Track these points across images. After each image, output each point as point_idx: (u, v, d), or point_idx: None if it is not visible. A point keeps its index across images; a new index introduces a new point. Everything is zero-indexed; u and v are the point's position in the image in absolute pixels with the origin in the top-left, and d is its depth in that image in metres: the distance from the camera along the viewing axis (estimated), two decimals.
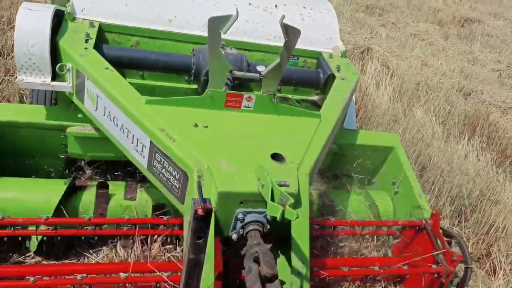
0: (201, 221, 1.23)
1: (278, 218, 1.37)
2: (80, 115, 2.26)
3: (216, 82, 1.91)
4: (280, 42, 2.60)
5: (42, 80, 2.04)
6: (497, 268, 2.73)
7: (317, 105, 2.72)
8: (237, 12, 1.71)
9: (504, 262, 2.76)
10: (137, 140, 1.83)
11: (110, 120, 1.95)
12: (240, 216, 1.58)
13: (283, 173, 1.65)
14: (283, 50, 1.87)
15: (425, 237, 2.30)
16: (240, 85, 2.40)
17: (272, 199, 1.46)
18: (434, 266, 2.19)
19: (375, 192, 2.69)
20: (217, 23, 1.73)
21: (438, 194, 3.30)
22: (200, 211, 1.19)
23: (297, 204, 1.61)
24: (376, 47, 6.53)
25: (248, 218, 1.58)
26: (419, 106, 5.03)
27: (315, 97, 2.77)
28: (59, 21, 2.19)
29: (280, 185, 1.52)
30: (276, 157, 1.73)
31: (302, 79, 2.60)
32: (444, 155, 3.87)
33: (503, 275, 2.65)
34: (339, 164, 2.69)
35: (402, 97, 5.16)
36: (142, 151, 1.83)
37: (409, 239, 2.38)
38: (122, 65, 2.25)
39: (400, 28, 9.14)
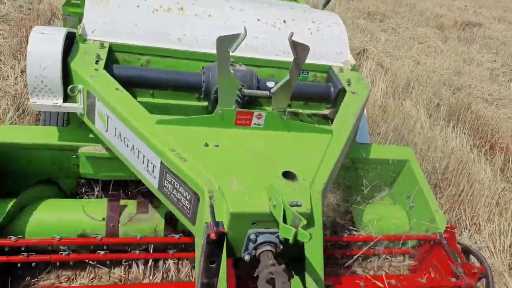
0: (214, 246, 1.21)
1: (291, 241, 1.34)
2: (91, 135, 2.27)
3: (226, 101, 1.91)
4: (289, 57, 2.58)
5: (54, 102, 2.06)
6: (463, 229, 3.22)
7: (328, 119, 2.69)
8: (245, 30, 1.70)
9: (469, 224, 3.28)
10: (148, 160, 1.83)
11: (121, 140, 1.96)
12: (253, 237, 1.55)
13: (295, 192, 1.63)
14: (292, 67, 1.86)
15: (441, 252, 2.24)
16: (249, 101, 2.39)
17: (285, 220, 1.43)
18: (453, 279, 2.13)
19: (390, 206, 2.65)
20: (225, 42, 1.73)
21: None
22: (213, 236, 1.17)
23: (310, 224, 1.58)
24: (371, 48, 6.87)
25: (261, 239, 1.55)
26: (409, 99, 5.50)
27: (325, 111, 2.75)
28: (70, 43, 2.22)
29: (292, 205, 1.49)
30: (287, 175, 1.71)
31: (312, 94, 2.59)
32: (425, 137, 4.35)
33: (468, 236, 3.09)
34: (352, 178, 2.65)
35: (394, 92, 5.52)
36: (152, 171, 1.83)
37: (425, 256, 2.32)
38: (133, 84, 2.26)
39: (400, 33, 9.56)
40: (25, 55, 4.35)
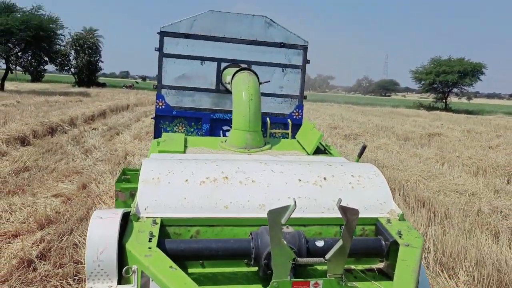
0: None
1: None
2: None
3: (280, 272, 1.88)
4: (334, 213, 2.61)
5: (108, 285, 2.08)
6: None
7: (383, 273, 2.56)
8: (295, 202, 1.77)
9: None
10: None
11: None
12: None
13: None
14: (344, 231, 1.86)
15: None
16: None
17: None
18: None
19: None
20: (276, 215, 1.78)
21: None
22: None
23: None
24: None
25: None
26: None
27: (379, 265, 2.63)
28: (125, 222, 2.33)
29: None
30: None
31: (364, 249, 2.51)
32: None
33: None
34: None
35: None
36: None
37: None
38: (184, 258, 2.28)
39: (368, 144, 12.66)
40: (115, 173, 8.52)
